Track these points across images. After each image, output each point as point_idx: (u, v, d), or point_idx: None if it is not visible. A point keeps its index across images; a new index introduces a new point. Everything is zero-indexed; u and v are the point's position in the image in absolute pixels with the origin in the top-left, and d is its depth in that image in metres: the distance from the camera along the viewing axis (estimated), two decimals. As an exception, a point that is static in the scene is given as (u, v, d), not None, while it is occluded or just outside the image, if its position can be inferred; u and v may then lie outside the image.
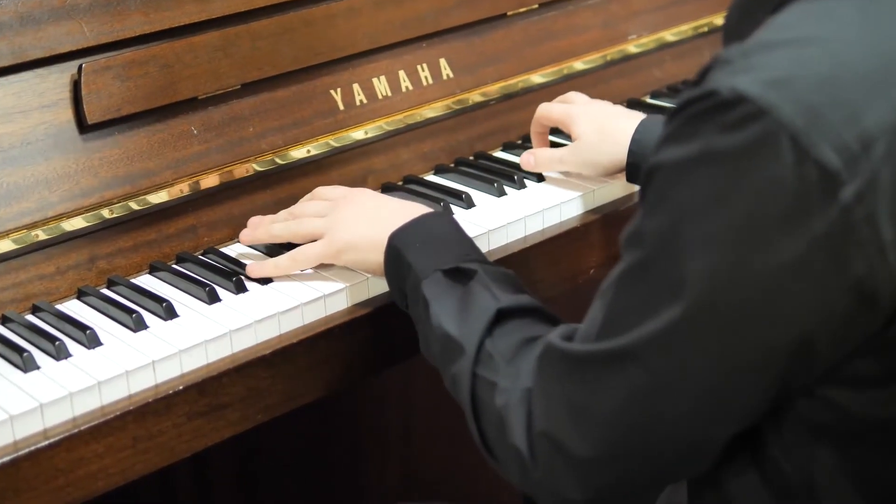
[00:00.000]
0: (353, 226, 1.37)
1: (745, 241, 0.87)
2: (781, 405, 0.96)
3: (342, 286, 1.37)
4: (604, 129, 1.57)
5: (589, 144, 1.57)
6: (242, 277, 1.38)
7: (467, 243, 1.30)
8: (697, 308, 0.90)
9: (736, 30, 1.03)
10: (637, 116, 1.57)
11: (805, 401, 0.95)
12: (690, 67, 1.98)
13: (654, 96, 1.92)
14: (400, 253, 1.28)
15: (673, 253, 0.91)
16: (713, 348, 0.91)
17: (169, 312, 1.32)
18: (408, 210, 1.35)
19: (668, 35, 1.96)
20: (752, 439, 0.99)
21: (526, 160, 1.63)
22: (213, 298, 1.35)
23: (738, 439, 0.99)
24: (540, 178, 1.63)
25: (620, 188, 1.61)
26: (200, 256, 1.46)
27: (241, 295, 1.36)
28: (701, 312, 0.90)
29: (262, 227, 1.44)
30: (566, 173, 1.63)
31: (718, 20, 1.99)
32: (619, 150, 1.54)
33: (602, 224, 1.57)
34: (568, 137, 1.64)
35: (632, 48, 1.91)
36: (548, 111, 1.64)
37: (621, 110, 1.63)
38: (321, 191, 1.49)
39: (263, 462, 1.89)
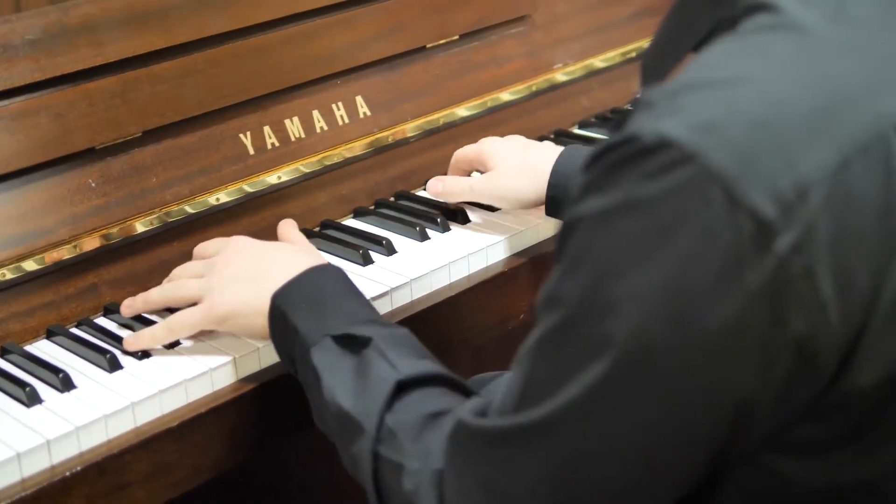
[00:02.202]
0: (232, 288, 1.26)
1: (674, 297, 0.79)
2: (720, 474, 0.88)
3: (254, 347, 1.28)
4: (521, 160, 1.49)
5: (505, 176, 1.49)
6: (147, 341, 1.29)
7: (358, 300, 1.21)
8: (622, 368, 0.81)
9: (655, 69, 0.96)
10: (556, 149, 1.50)
11: (745, 469, 0.87)
12: (619, 94, 1.91)
13: (581, 126, 1.85)
14: (285, 315, 1.19)
15: (596, 311, 0.82)
16: (639, 414, 0.83)
17: (66, 384, 1.22)
18: (294, 263, 1.25)
19: (597, 62, 1.89)
20: None
21: (433, 186, 1.55)
22: (114, 366, 1.25)
23: None
24: (465, 219, 1.55)
25: (548, 229, 1.53)
26: (100, 319, 1.36)
27: (144, 361, 1.27)
28: (626, 373, 0.82)
29: (140, 296, 1.34)
30: (493, 214, 1.55)
31: (647, 45, 1.93)
32: (537, 181, 1.46)
33: (531, 267, 1.50)
34: None
35: (559, 76, 1.84)
36: (461, 152, 1.57)
37: (538, 143, 1.56)
38: (200, 249, 1.38)
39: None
